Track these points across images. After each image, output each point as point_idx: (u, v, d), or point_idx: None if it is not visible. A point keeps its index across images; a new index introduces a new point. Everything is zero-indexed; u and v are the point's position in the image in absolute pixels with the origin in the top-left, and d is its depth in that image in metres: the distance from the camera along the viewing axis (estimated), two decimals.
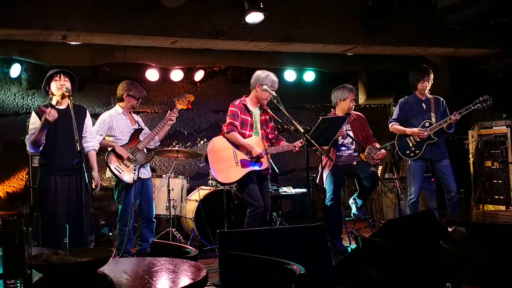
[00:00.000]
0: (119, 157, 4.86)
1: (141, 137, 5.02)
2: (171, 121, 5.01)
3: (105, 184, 6.45)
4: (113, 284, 1.86)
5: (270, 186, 5.34)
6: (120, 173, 4.82)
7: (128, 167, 4.87)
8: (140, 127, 5.12)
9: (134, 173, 4.85)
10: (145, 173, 5.05)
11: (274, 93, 4.52)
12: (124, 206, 4.90)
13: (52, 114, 3.97)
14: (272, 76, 4.67)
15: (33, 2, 4.52)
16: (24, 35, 4.77)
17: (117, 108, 5.10)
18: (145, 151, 5.00)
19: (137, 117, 5.28)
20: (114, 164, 4.84)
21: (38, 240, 4.24)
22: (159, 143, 5.34)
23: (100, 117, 5.03)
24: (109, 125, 4.94)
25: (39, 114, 4.12)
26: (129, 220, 4.87)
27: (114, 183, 5.03)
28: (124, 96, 5.06)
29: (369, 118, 5.58)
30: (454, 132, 5.49)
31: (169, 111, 5.04)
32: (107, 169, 4.91)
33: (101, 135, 4.89)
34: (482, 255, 2.44)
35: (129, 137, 4.98)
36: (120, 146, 4.91)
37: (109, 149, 4.91)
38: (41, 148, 4.16)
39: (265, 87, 4.58)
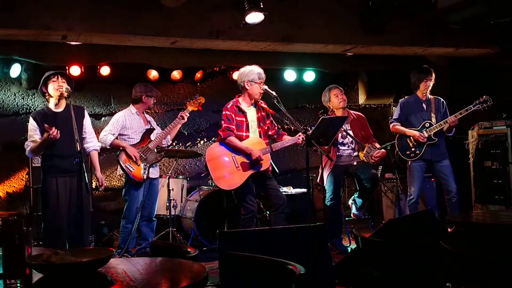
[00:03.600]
0: (130, 157, 4.89)
1: (152, 137, 5.08)
2: (183, 120, 5.10)
3: (106, 184, 6.45)
4: (113, 284, 1.86)
5: None
6: (131, 171, 4.86)
7: (138, 166, 4.90)
8: (151, 127, 5.18)
9: (144, 172, 4.89)
10: (154, 172, 5.09)
11: (274, 93, 4.48)
12: (130, 204, 4.94)
13: (55, 135, 3.99)
14: (256, 69, 4.63)
15: (33, 2, 4.52)
16: (24, 35, 4.77)
17: (131, 109, 5.17)
18: (155, 151, 5.04)
19: (149, 117, 5.35)
20: (125, 162, 4.89)
21: (38, 240, 4.25)
22: (171, 142, 5.45)
23: (114, 117, 5.10)
24: (122, 124, 5.01)
25: (36, 119, 4.17)
26: (136, 219, 4.90)
27: (124, 181, 5.08)
28: (143, 97, 5.13)
29: (369, 118, 5.57)
30: (454, 132, 5.48)
31: (180, 112, 5.13)
32: (119, 166, 4.95)
33: (113, 134, 4.94)
34: (482, 255, 2.44)
35: (141, 136, 5.04)
36: (131, 145, 4.95)
37: (121, 148, 4.96)
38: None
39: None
